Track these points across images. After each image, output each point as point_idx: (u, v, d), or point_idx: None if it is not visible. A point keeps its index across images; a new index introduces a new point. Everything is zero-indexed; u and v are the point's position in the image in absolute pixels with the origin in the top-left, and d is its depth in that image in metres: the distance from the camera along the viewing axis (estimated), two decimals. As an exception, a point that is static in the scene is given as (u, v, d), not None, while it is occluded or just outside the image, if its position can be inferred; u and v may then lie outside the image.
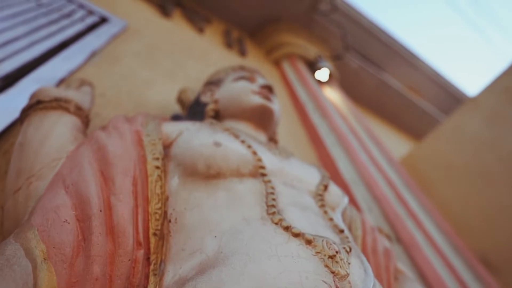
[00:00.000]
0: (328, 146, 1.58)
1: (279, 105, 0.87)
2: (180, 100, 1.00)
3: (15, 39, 0.93)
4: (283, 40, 2.66)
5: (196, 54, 1.72)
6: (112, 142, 0.50)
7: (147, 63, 1.29)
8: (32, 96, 0.59)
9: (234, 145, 0.55)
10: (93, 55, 1.11)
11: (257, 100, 0.79)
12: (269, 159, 0.59)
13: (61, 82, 0.89)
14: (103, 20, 1.41)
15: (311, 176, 0.63)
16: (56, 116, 0.56)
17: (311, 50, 2.68)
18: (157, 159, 0.52)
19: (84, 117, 0.62)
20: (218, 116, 0.83)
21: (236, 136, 0.59)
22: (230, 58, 2.09)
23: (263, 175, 0.53)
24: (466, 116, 2.33)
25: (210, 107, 0.82)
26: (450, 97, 3.77)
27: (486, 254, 1.74)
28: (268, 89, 0.85)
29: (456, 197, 2.02)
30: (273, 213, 0.45)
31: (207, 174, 0.50)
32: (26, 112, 0.57)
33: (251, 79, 0.88)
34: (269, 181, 0.52)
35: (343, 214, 0.66)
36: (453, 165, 2.21)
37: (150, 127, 0.58)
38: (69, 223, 0.39)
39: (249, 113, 0.78)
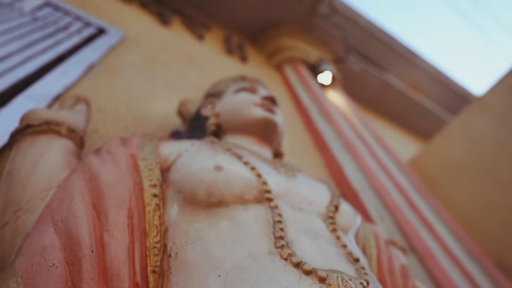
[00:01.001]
0: (334, 152, 1.53)
1: (282, 116, 0.83)
2: (181, 113, 0.96)
3: (9, 55, 0.91)
4: (284, 44, 2.62)
5: (196, 63, 1.69)
6: (106, 170, 0.46)
7: (146, 74, 1.26)
8: (22, 119, 0.56)
9: (236, 168, 0.51)
10: (90, 68, 1.08)
11: (260, 113, 0.75)
12: (275, 180, 0.55)
13: (57, 98, 0.85)
14: (100, 32, 1.38)
15: (320, 195, 0.58)
16: (46, 141, 0.52)
17: (313, 53, 2.64)
18: (155, 185, 0.48)
19: (77, 139, 0.58)
20: (219, 130, 0.79)
21: (239, 157, 0.55)
22: (231, 65, 2.06)
23: (269, 200, 0.49)
24: (474, 116, 2.28)
25: (211, 121, 0.78)
26: (454, 96, 3.71)
27: (500, 256, 1.68)
28: (270, 101, 0.82)
29: (467, 199, 1.96)
30: (282, 246, 0.41)
31: (209, 202, 0.46)
32: (15, 137, 0.53)
33: (252, 90, 0.84)
34: (276, 207, 0.48)
35: (356, 235, 0.62)
36: (462, 166, 2.15)
37: (147, 149, 0.54)
38: (57, 267, 0.35)
39: (251, 127, 0.75)
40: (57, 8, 1.34)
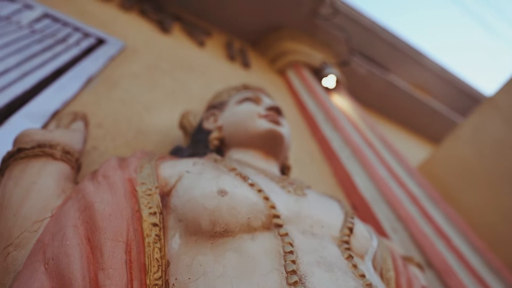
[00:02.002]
0: (343, 161, 1.49)
1: (288, 127, 0.79)
2: (182, 126, 0.93)
3: (6, 71, 0.88)
4: (286, 48, 2.59)
5: (198, 70, 1.66)
6: (101, 198, 0.42)
7: (147, 85, 1.23)
8: (14, 142, 0.53)
9: (242, 191, 0.47)
10: (89, 81, 1.05)
11: (265, 125, 0.71)
12: (284, 202, 0.50)
13: (55, 114, 0.82)
14: (100, 42, 1.36)
15: (333, 216, 0.54)
16: (39, 166, 0.48)
17: (316, 56, 2.60)
18: (154, 213, 0.44)
19: (73, 161, 0.54)
20: (223, 144, 0.76)
21: (244, 178, 0.51)
22: (233, 72, 2.02)
23: (278, 226, 0.45)
24: (485, 117, 2.21)
25: (214, 135, 0.74)
26: (462, 96, 3.63)
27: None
28: (275, 111, 0.77)
29: (481, 206, 1.89)
30: (295, 283, 0.37)
31: (213, 232, 0.42)
32: (7, 162, 0.50)
33: (256, 100, 0.80)
34: (286, 234, 0.44)
35: (373, 258, 0.57)
36: (475, 170, 2.09)
37: (146, 171, 0.50)
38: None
39: (256, 140, 0.71)
40: (55, 19, 1.32)
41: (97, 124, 0.86)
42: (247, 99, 0.80)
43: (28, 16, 1.21)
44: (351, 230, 0.52)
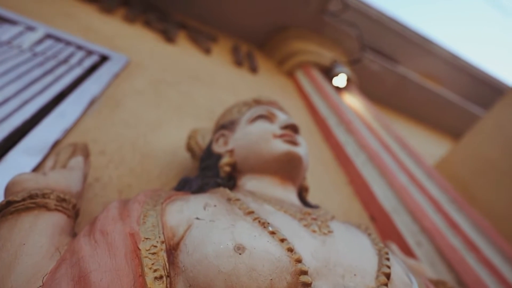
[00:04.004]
0: (358, 167, 1.41)
1: (306, 145, 0.73)
2: (190, 148, 0.88)
3: (5, 101, 0.85)
4: (294, 48, 2.51)
5: (204, 80, 1.62)
6: (98, 263, 0.37)
7: (152, 102, 1.19)
8: (4, 192, 0.49)
9: (262, 244, 0.41)
10: (92, 103, 1.02)
11: (281, 146, 0.65)
12: (311, 249, 0.44)
13: (55, 145, 0.79)
14: (103, 59, 1.33)
15: (365, 257, 0.47)
16: (30, 221, 0.44)
17: (325, 55, 2.52)
18: (160, 277, 0.38)
19: (70, 209, 0.50)
20: (235, 169, 0.70)
21: (263, 225, 0.44)
22: (241, 78, 1.97)
23: (307, 285, 0.38)
24: (509, 109, 2.08)
25: (225, 161, 0.69)
26: (481, 86, 3.46)
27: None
28: (292, 129, 0.71)
29: (503, 206, 1.77)
30: None
31: (228, 299, 0.36)
32: (-4, 217, 0.46)
33: (270, 118, 0.74)
34: None
35: None
36: (498, 167, 1.96)
37: (150, 221, 0.45)
38: None
39: (272, 165, 0.65)
40: (58, 39, 1.29)
41: (100, 152, 0.83)
42: (260, 117, 0.74)
43: (29, 39, 1.19)
44: (388, 276, 0.45)
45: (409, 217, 1.13)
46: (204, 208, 0.48)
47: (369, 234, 0.56)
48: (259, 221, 0.45)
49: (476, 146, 2.17)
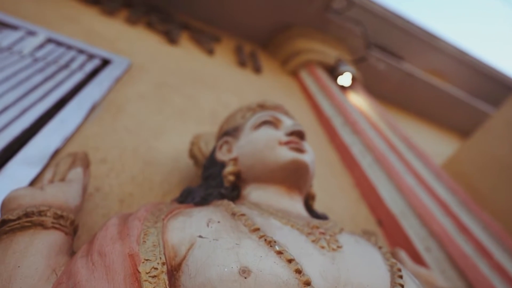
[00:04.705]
0: (365, 169, 1.38)
1: (312, 151, 0.70)
2: (193, 155, 0.86)
3: (5, 109, 0.84)
4: (298, 47, 2.48)
5: (208, 82, 1.60)
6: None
7: (154, 106, 1.17)
8: (0, 208, 0.47)
9: (269, 266, 0.38)
10: (93, 109, 1.01)
11: (286, 154, 0.62)
12: (320, 268, 0.42)
13: (55, 154, 0.78)
14: (105, 63, 1.31)
15: (377, 274, 0.44)
16: (26, 241, 0.43)
17: (330, 54, 2.48)
18: None
19: (68, 226, 0.49)
20: (239, 178, 0.68)
21: (270, 243, 0.42)
22: (245, 78, 1.95)
23: None
24: (520, 107, 2.02)
25: (229, 169, 0.66)
26: (488, 82, 3.39)
27: None
28: (298, 135, 0.68)
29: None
30: None
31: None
32: (-10, 238, 0.44)
33: (275, 123, 0.71)
34: None
35: None
36: (507, 167, 1.91)
37: (151, 240, 0.43)
38: None
39: (278, 174, 0.62)
40: (59, 43, 1.28)
41: (101, 160, 0.81)
42: (265, 122, 0.72)
43: (31, 44, 1.18)
44: None
45: (417, 221, 1.10)
46: (207, 225, 0.46)
47: (380, 248, 0.53)
48: (266, 240, 0.43)
49: (486, 145, 2.13)
